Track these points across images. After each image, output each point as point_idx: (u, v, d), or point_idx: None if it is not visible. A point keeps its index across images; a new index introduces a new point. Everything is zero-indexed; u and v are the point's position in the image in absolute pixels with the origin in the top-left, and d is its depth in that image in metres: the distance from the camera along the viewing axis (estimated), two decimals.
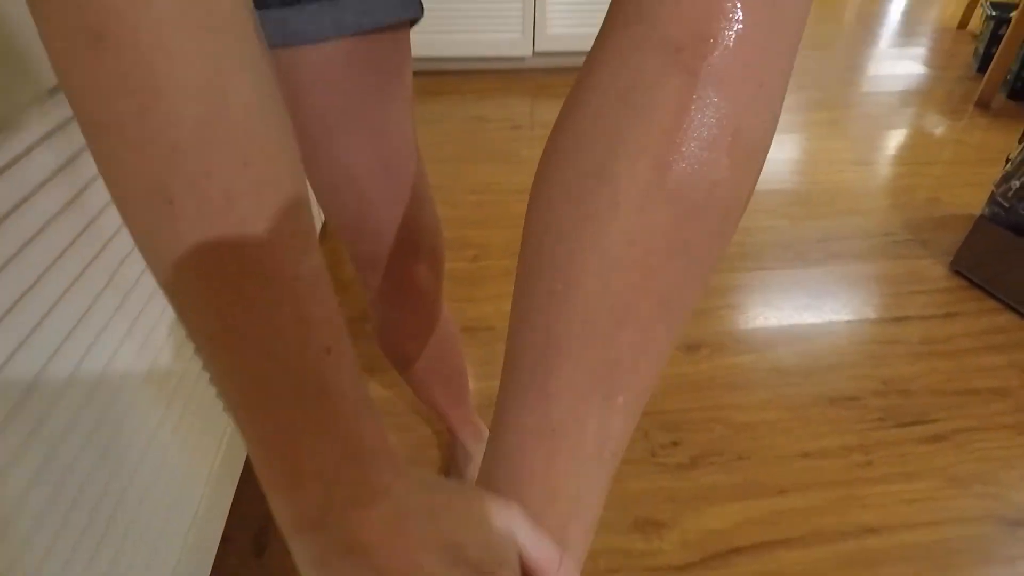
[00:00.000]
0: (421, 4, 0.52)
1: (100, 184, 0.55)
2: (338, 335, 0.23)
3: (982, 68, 2.41)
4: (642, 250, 0.24)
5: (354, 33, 0.46)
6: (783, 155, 1.91)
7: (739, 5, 0.22)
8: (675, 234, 0.25)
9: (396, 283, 0.63)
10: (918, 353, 1.18)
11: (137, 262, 0.61)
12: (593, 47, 0.26)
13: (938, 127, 2.11)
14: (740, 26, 0.22)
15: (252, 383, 0.22)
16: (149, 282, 0.64)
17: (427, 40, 2.24)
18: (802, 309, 1.29)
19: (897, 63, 2.70)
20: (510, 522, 0.24)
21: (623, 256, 0.24)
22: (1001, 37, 2.17)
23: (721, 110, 0.23)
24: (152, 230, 0.20)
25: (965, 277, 1.37)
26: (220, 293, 0.20)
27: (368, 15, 0.46)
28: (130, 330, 0.60)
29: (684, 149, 0.23)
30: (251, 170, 0.20)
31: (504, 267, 1.39)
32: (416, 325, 0.70)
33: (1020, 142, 1.31)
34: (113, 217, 0.58)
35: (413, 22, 0.52)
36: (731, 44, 0.23)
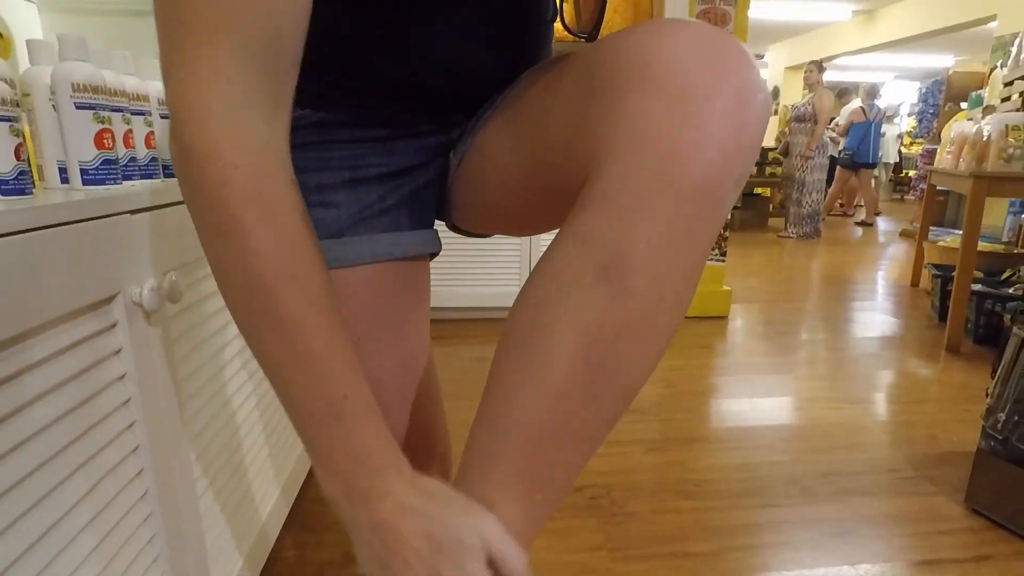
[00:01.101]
0: (439, 241, 0.62)
1: (96, 404, 0.59)
2: (355, 385, 0.37)
3: (943, 318, 2.62)
4: (560, 399, 0.36)
5: (386, 260, 0.54)
6: (775, 394, 1.96)
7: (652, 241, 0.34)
8: (588, 388, 0.36)
9: None
10: None
11: (116, 482, 0.61)
12: (544, 256, 0.39)
13: (918, 369, 2.21)
14: (651, 259, 0.34)
15: (297, 415, 0.37)
16: (123, 502, 0.63)
17: (435, 292, 2.48)
18: (820, 549, 1.19)
19: (865, 314, 2.94)
20: (484, 527, 0.35)
21: (543, 402, 0.37)
22: (950, 292, 2.42)
23: (631, 312, 0.35)
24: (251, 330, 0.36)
25: (984, 516, 1.30)
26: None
27: (398, 246, 0.56)
28: (98, 546, 0.57)
29: (602, 334, 0.35)
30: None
31: None
32: None
33: (993, 376, 1.38)
34: (104, 435, 0.60)
35: (433, 255, 0.62)
36: (644, 266, 0.34)
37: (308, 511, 1.30)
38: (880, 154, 6.77)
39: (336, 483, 0.37)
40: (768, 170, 5.65)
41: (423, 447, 0.63)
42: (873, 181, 6.97)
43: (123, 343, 0.61)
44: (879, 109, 6.16)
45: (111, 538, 0.59)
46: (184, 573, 0.71)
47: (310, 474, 1.44)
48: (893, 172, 6.56)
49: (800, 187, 5.07)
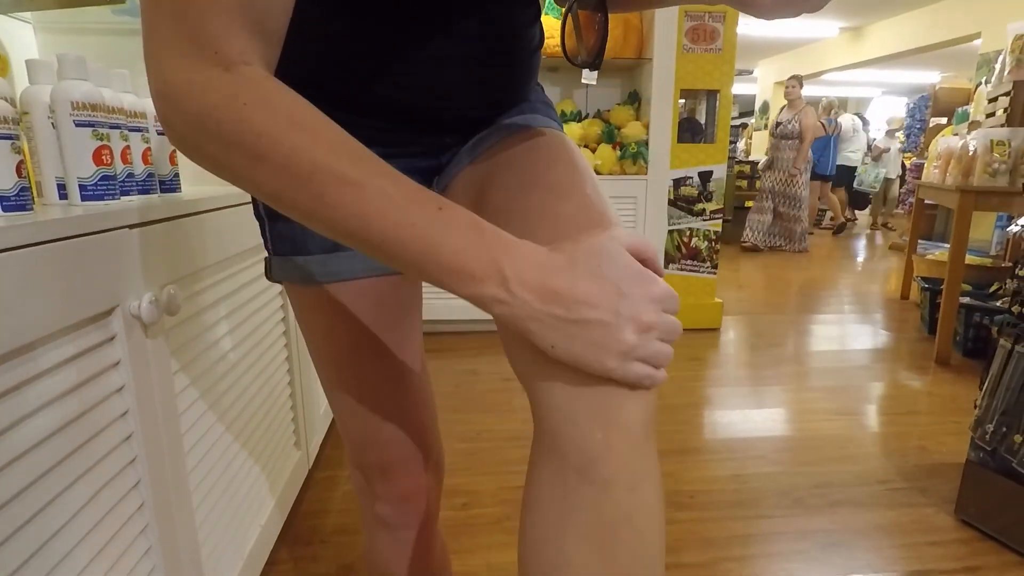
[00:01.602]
0: None
1: (98, 413, 0.60)
2: (436, 197, 0.36)
3: (932, 331, 2.65)
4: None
5: (379, 274, 0.55)
6: (767, 405, 1.97)
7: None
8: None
9: (401, 494, 0.65)
10: None
11: (114, 493, 0.62)
12: (528, 468, 0.42)
13: (908, 381, 2.23)
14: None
15: (417, 259, 0.35)
16: (120, 513, 0.63)
17: (427, 305, 2.49)
18: (813, 561, 1.20)
19: (856, 327, 2.97)
20: (617, 236, 0.38)
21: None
22: (939, 305, 2.45)
23: (609, 507, 0.38)
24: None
25: (974, 527, 1.31)
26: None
27: None
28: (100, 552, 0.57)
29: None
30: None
31: (495, 515, 1.33)
32: (411, 544, 0.68)
33: (980, 387, 1.40)
34: (102, 446, 0.60)
35: None
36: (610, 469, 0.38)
37: (303, 525, 1.30)
38: (884, 171, 6.87)
39: (485, 284, 0.35)
40: (758, 184, 5.71)
41: (417, 455, 0.64)
42: (847, 192, 7.11)
43: (121, 355, 0.61)
44: (837, 123, 6.32)
45: (109, 549, 0.59)
46: None
47: (304, 487, 1.44)
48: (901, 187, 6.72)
49: (797, 203, 5.14)
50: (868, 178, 7.00)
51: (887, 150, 6.86)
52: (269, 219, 0.56)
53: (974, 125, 3.08)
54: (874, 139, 7.28)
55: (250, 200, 1.00)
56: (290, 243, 0.55)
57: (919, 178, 3.49)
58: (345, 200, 0.34)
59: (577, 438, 0.38)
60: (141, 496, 0.65)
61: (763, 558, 1.21)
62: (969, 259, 2.69)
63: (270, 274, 0.59)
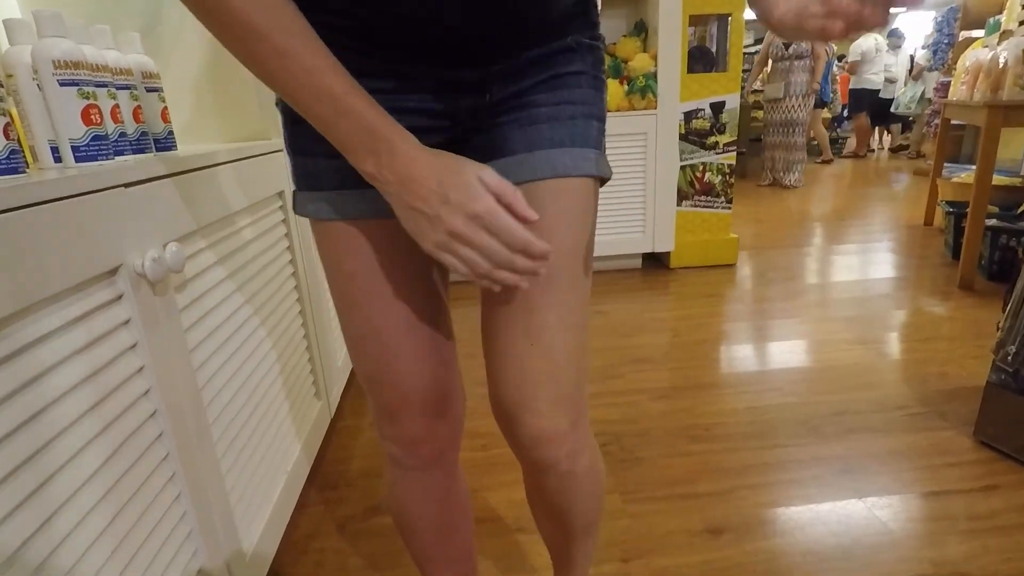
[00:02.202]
0: None
1: (116, 369, 0.61)
2: (347, 84, 0.44)
3: (956, 256, 2.58)
4: None
5: (388, 216, 0.55)
6: (784, 338, 1.96)
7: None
8: None
9: (409, 436, 0.65)
10: (965, 531, 1.08)
11: (138, 443, 0.64)
12: None
13: (930, 307, 2.19)
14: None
15: (318, 121, 0.45)
16: (147, 463, 0.65)
17: None
18: (828, 486, 1.22)
19: (876, 256, 2.91)
20: (483, 171, 0.46)
21: None
22: (964, 228, 2.38)
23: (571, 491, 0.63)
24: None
25: (993, 448, 1.31)
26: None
27: None
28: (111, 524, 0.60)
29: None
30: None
31: (505, 459, 1.37)
32: (424, 485, 0.70)
33: (1003, 310, 1.37)
34: (121, 401, 0.62)
35: None
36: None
37: (329, 470, 1.35)
38: (922, 89, 6.46)
39: (366, 161, 0.45)
40: (760, 115, 5.46)
41: (427, 399, 0.64)
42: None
43: (131, 313, 0.62)
44: (832, 48, 5.97)
45: (138, 496, 0.62)
46: (212, 528, 0.75)
47: (328, 435, 1.49)
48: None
49: (796, 130, 4.87)
50: (906, 99, 6.46)
51: (930, 68, 6.41)
52: (292, 123, 0.56)
53: (1006, 35, 2.90)
54: (913, 55, 6.81)
55: (248, 156, 0.99)
56: (309, 178, 0.57)
57: (945, 97, 3.33)
58: (271, 66, 0.43)
59: None
60: (166, 447, 0.68)
61: (778, 485, 1.23)
62: (996, 179, 2.59)
63: (295, 207, 0.60)
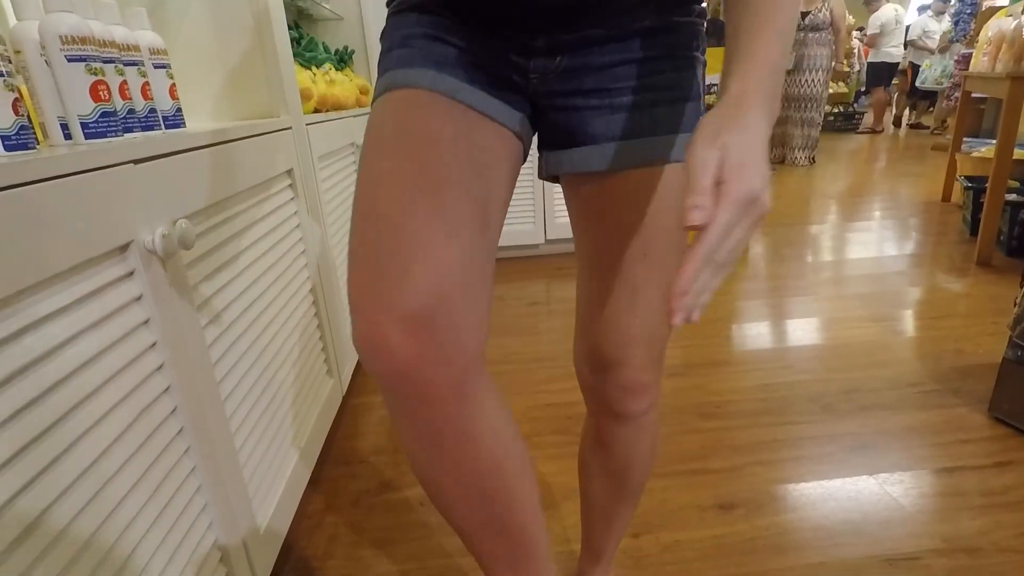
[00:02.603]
0: (526, 131, 0.63)
1: (134, 340, 0.62)
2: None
3: (974, 232, 2.54)
4: None
5: (465, 104, 0.56)
6: (797, 315, 1.95)
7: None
8: None
9: (364, 338, 0.49)
10: (978, 506, 1.08)
11: (152, 418, 0.65)
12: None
13: (947, 284, 2.16)
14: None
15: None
16: (161, 437, 0.66)
17: None
18: (840, 462, 1.22)
19: (891, 232, 2.87)
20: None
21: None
22: (983, 204, 2.33)
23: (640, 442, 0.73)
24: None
25: (1008, 424, 1.30)
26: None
27: (477, 98, 0.56)
28: (154, 494, 0.61)
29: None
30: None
31: (525, 431, 1.38)
32: (431, 434, 0.54)
33: (1022, 286, 1.34)
34: (135, 376, 0.63)
35: (519, 138, 0.61)
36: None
37: (342, 446, 1.37)
38: (951, 63, 6.24)
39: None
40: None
41: (468, 332, 0.50)
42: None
43: (142, 289, 0.63)
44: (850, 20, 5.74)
45: (153, 470, 0.63)
46: (226, 501, 0.77)
47: (340, 412, 1.50)
48: None
49: (816, 105, 4.78)
50: (934, 73, 6.15)
51: (952, 39, 6.19)
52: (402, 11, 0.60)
53: None
54: (941, 27, 6.56)
55: (256, 133, 0.99)
56: (437, 57, 0.57)
57: (966, 69, 3.24)
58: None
59: None
60: (180, 422, 0.69)
61: (790, 461, 1.23)
62: (1018, 153, 2.52)
63: (386, 80, 0.58)
